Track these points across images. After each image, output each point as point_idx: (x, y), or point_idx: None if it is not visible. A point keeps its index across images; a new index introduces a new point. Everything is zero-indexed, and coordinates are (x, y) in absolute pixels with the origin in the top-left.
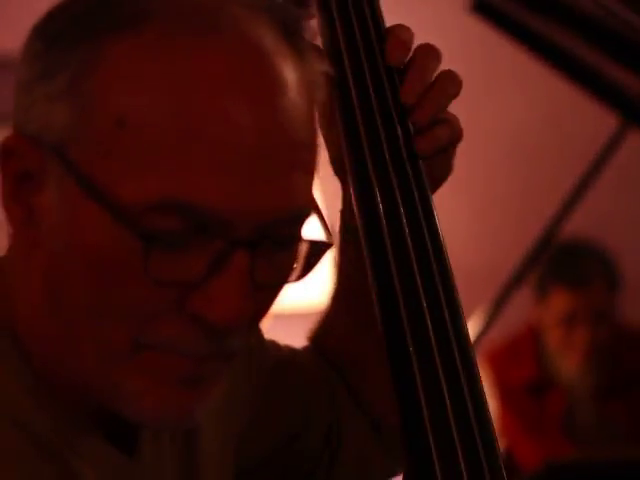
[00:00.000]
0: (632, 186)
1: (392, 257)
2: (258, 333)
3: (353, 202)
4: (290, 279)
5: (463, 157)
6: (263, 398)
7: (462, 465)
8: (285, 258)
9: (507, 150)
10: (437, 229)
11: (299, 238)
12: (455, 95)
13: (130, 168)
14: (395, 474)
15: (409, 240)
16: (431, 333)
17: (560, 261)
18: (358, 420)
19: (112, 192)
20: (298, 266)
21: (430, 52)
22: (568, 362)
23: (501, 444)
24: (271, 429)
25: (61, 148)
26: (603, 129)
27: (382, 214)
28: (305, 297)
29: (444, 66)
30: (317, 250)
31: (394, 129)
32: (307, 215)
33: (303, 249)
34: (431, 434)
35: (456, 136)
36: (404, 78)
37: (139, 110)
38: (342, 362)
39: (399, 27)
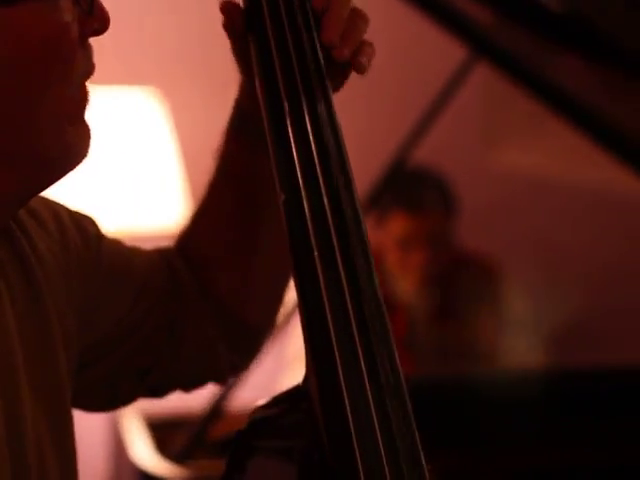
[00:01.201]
0: (467, 116)
1: (296, 154)
2: (94, 225)
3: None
4: None
5: None
6: (99, 287)
7: (361, 359)
8: None
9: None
10: (340, 136)
11: None
12: (365, 30)
13: None
14: (242, 370)
15: (313, 145)
16: (334, 237)
17: (398, 186)
18: (204, 317)
19: None
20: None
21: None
22: (405, 284)
23: None
24: (108, 317)
25: None
26: (451, 60)
27: (288, 113)
28: (158, 221)
29: None
30: None
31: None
32: None
33: None
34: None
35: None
36: (325, 21)
37: None
38: (201, 263)
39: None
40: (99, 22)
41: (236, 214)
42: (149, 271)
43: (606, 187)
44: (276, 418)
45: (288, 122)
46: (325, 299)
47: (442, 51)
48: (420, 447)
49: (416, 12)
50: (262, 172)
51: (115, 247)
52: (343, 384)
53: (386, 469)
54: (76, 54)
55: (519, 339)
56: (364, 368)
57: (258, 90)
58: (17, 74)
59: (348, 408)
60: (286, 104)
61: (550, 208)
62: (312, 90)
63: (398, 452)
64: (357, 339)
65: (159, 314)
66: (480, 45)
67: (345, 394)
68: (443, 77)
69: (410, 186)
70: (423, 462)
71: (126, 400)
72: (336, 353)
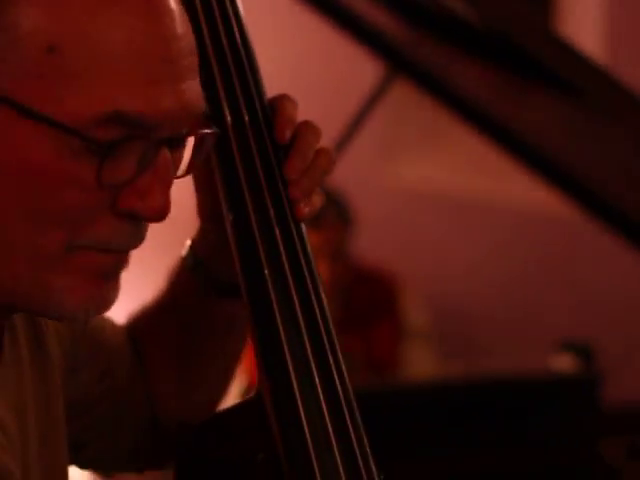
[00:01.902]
0: (365, 129)
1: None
2: None
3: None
4: (183, 173)
5: None
6: (74, 354)
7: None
8: (180, 155)
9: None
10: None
11: (197, 134)
12: (329, 171)
13: (67, 88)
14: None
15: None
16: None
17: None
18: (144, 408)
19: (55, 110)
20: (189, 158)
21: (312, 131)
22: None
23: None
24: (78, 376)
25: None
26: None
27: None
28: None
29: None
30: (204, 141)
31: (279, 196)
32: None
33: (193, 143)
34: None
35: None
36: (289, 155)
37: (69, 35)
38: (147, 355)
39: (285, 101)
40: (142, 205)
41: (179, 337)
42: (117, 350)
43: (505, 199)
44: (227, 427)
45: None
46: (277, 313)
47: (356, 67)
48: (371, 458)
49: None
50: (205, 310)
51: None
52: (298, 396)
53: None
54: (65, 199)
55: (419, 350)
56: (318, 380)
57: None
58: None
59: (304, 419)
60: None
61: (447, 221)
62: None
63: (357, 463)
64: (310, 352)
65: (112, 397)
66: (395, 58)
67: (300, 406)
68: (360, 93)
69: None
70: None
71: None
72: (290, 367)
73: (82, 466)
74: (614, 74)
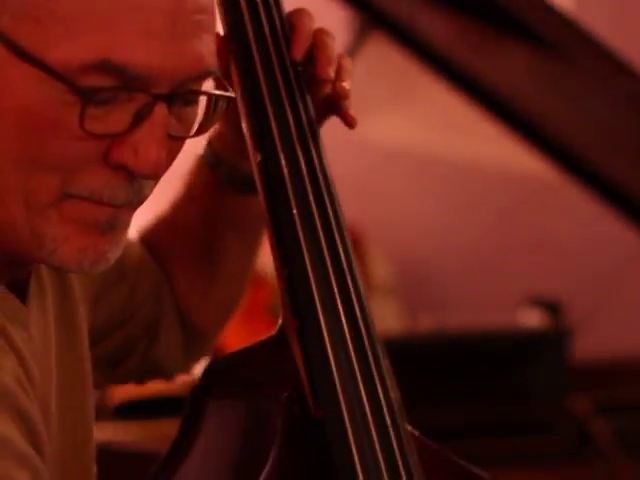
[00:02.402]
0: None
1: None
2: None
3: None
4: (194, 132)
5: None
6: (107, 276)
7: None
8: (191, 113)
9: None
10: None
11: (203, 92)
12: (351, 76)
13: (61, 33)
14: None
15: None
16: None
17: None
18: (175, 319)
19: (46, 54)
20: (201, 119)
21: (331, 37)
22: (264, 253)
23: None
24: (110, 303)
25: None
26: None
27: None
28: None
29: None
30: (217, 104)
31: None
32: (213, 74)
33: (205, 104)
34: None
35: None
36: (316, 59)
37: None
38: (167, 262)
39: (302, 17)
40: (133, 158)
41: (199, 235)
42: (140, 267)
43: (475, 157)
44: (248, 365)
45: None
46: (306, 254)
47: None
48: (399, 396)
49: None
50: (227, 209)
51: None
52: (325, 335)
53: (370, 418)
54: (53, 145)
55: (382, 304)
56: (344, 318)
57: (242, 117)
58: None
59: (331, 359)
60: (282, 157)
61: (417, 178)
62: (306, 141)
63: (380, 401)
64: (336, 291)
65: (143, 313)
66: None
67: (328, 345)
68: None
69: None
70: (403, 413)
71: (100, 384)
72: (317, 305)
73: (120, 381)
74: (583, 25)
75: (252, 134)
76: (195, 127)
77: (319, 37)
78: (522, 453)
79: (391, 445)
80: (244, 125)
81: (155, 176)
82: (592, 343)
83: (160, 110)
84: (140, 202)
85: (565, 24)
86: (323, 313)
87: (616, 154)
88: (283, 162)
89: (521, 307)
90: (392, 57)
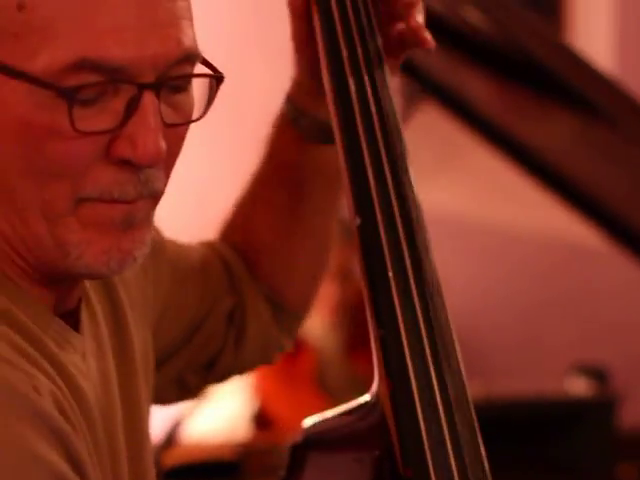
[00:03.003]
0: None
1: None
2: (156, 231)
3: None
4: (193, 117)
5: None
6: (167, 292)
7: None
8: (185, 99)
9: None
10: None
11: (193, 76)
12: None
13: (39, 42)
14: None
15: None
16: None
17: None
18: (259, 302)
19: (28, 65)
20: (197, 103)
21: None
22: (315, 320)
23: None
24: (176, 320)
25: None
26: None
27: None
28: None
29: None
30: (212, 87)
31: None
32: (196, 57)
33: (207, 87)
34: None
35: None
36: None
37: None
38: (247, 249)
39: None
40: (132, 150)
41: (282, 201)
42: (206, 269)
43: (521, 224)
44: (344, 428)
45: (355, 104)
46: (399, 318)
47: None
48: (485, 460)
49: None
50: (311, 163)
51: (175, 248)
52: (416, 398)
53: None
54: (51, 151)
55: None
56: (435, 381)
57: (323, 71)
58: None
59: (421, 421)
60: (351, 82)
61: (458, 243)
62: (374, 71)
63: (466, 464)
64: (429, 354)
65: (219, 309)
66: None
67: (418, 408)
68: None
69: None
70: (488, 474)
71: (195, 392)
72: (410, 368)
73: (220, 379)
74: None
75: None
76: (195, 112)
77: None
78: None
79: None
80: (323, 69)
81: (157, 164)
82: (639, 411)
83: (149, 99)
84: (152, 195)
85: (610, 90)
86: (415, 377)
87: None
88: (380, 225)
89: (568, 375)
90: (440, 124)
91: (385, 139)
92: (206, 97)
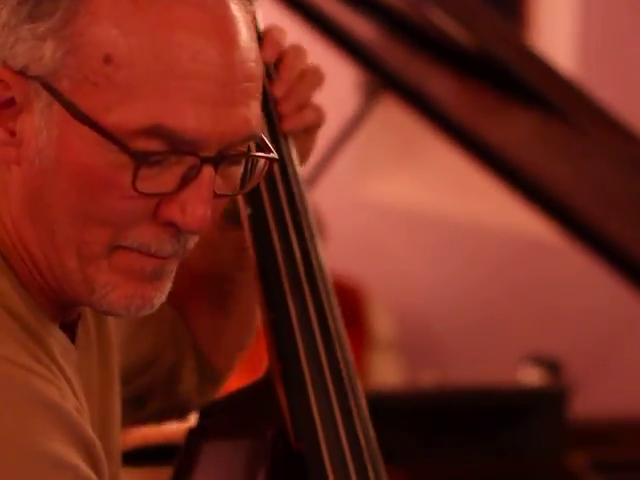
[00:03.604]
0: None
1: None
2: None
3: None
4: (240, 190)
5: None
6: (129, 324)
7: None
8: (236, 172)
9: None
10: (307, 207)
11: (254, 156)
12: (318, 85)
13: (118, 99)
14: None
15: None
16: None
17: None
18: (192, 359)
19: (103, 118)
20: (247, 178)
21: (298, 52)
22: None
23: None
24: (134, 349)
25: (48, 79)
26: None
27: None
28: None
29: None
30: (261, 164)
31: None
32: (258, 136)
33: (250, 164)
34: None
35: (319, 120)
36: (277, 74)
37: (125, 49)
38: (181, 303)
39: (274, 28)
40: (181, 216)
41: (209, 280)
42: (160, 312)
43: (474, 216)
44: (240, 409)
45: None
46: (289, 302)
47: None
48: (374, 436)
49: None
50: (234, 248)
51: None
52: (307, 377)
53: (348, 454)
54: (107, 202)
55: (384, 360)
56: (325, 361)
57: None
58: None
59: (312, 398)
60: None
61: (419, 237)
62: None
63: (359, 439)
64: (318, 335)
65: (163, 360)
66: (375, 69)
67: (309, 386)
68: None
69: None
70: (378, 453)
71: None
72: (300, 349)
73: (142, 422)
74: (588, 91)
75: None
76: (237, 185)
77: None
78: None
79: (367, 477)
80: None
81: (200, 231)
82: (590, 402)
83: (207, 171)
84: (185, 253)
85: (571, 90)
86: (305, 357)
87: (617, 217)
88: (270, 218)
89: (521, 365)
90: (398, 119)
91: None
92: (250, 173)
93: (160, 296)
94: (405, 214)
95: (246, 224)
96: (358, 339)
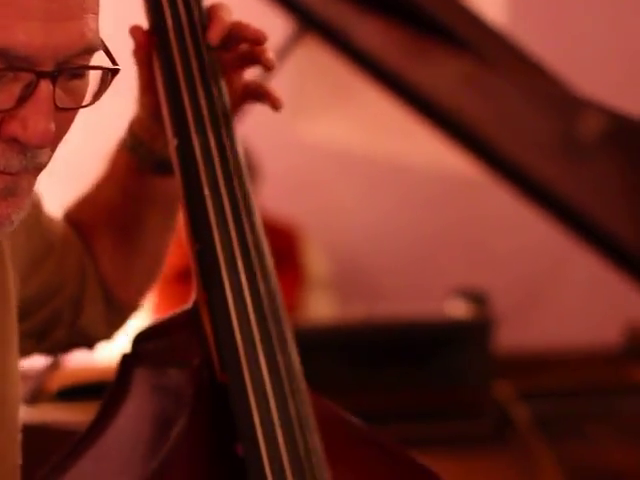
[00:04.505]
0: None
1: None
2: (36, 197)
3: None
4: (85, 103)
5: None
6: (36, 250)
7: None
8: (80, 85)
9: None
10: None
11: (90, 68)
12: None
13: None
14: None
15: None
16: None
17: None
18: (97, 292)
19: None
20: (91, 91)
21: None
22: None
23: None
24: (35, 280)
25: None
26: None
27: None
28: None
29: None
30: (106, 77)
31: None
32: (96, 49)
33: (94, 77)
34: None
35: (244, 33)
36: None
37: None
38: (89, 235)
39: (220, 9)
40: (22, 131)
41: (119, 213)
42: (66, 248)
43: (406, 156)
44: (168, 335)
45: (199, 160)
46: (215, 232)
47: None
48: (297, 360)
49: None
50: (144, 191)
51: (47, 218)
52: (231, 306)
53: (268, 383)
54: None
55: (319, 297)
56: (247, 291)
57: (165, 118)
58: None
59: (235, 328)
60: (195, 137)
61: (351, 177)
62: (219, 124)
63: (280, 369)
64: (241, 266)
65: (67, 290)
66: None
67: (232, 315)
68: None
69: None
70: (303, 380)
71: (28, 354)
72: (224, 278)
73: (47, 352)
74: (513, 36)
75: (170, 120)
76: (88, 98)
77: (237, 24)
78: (446, 437)
79: (287, 407)
80: (164, 111)
81: (43, 146)
82: (516, 335)
83: (45, 86)
84: (37, 168)
85: (490, 33)
86: (230, 287)
87: (537, 154)
88: (197, 147)
89: (449, 299)
90: (327, 60)
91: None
92: (102, 86)
93: (18, 213)
94: (338, 154)
95: (173, 156)
96: (294, 277)
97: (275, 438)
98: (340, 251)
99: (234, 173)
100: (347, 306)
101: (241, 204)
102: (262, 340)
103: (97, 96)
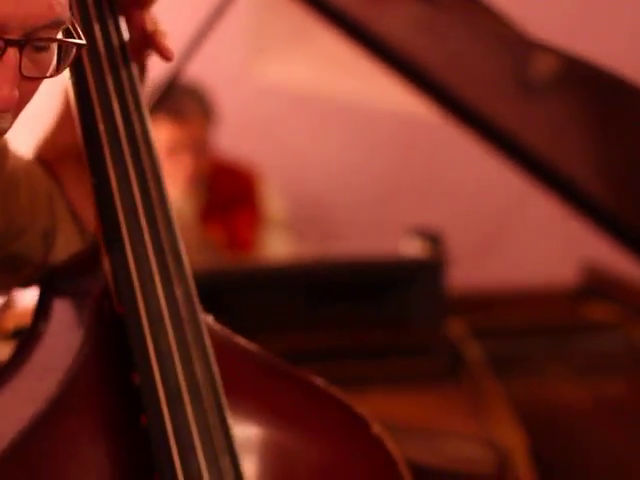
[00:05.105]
0: (231, 27)
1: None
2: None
3: None
4: (49, 74)
5: None
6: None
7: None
8: (45, 57)
9: None
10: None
11: (58, 41)
12: None
13: None
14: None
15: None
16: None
17: (162, 96)
18: (70, 226)
19: None
20: (55, 63)
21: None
22: (172, 189)
23: None
24: (6, 218)
25: None
26: None
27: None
28: None
29: None
30: (71, 49)
31: None
32: (63, 23)
33: (60, 49)
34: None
35: None
36: None
37: None
38: (57, 171)
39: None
40: None
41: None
42: (33, 180)
43: (366, 100)
44: (72, 269)
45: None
46: (110, 168)
47: None
48: (195, 297)
49: None
50: None
51: (15, 156)
52: (125, 237)
53: (165, 312)
54: None
55: (276, 236)
56: (144, 222)
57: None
58: None
59: (130, 259)
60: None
61: (310, 119)
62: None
63: (176, 299)
64: (139, 198)
65: (38, 224)
66: None
67: (127, 247)
68: None
69: (172, 96)
70: (200, 308)
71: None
72: (119, 212)
73: (20, 286)
74: None
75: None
76: (51, 68)
77: None
78: (399, 374)
79: (185, 337)
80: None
81: (7, 109)
82: (472, 274)
83: (12, 53)
84: (2, 131)
85: None
86: (125, 220)
87: (489, 93)
88: (92, 85)
89: (404, 239)
90: (283, 2)
91: None
92: (62, 58)
93: None
94: (294, 95)
95: (70, 91)
96: (252, 217)
97: (171, 364)
98: (297, 190)
99: (132, 109)
100: (304, 245)
101: (140, 138)
102: (159, 272)
103: (58, 69)
